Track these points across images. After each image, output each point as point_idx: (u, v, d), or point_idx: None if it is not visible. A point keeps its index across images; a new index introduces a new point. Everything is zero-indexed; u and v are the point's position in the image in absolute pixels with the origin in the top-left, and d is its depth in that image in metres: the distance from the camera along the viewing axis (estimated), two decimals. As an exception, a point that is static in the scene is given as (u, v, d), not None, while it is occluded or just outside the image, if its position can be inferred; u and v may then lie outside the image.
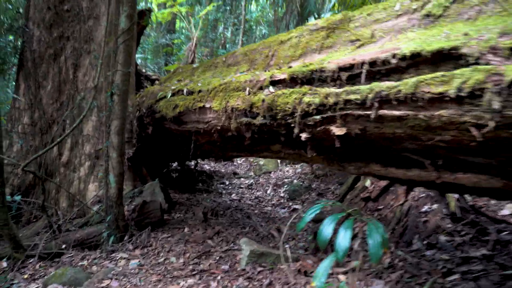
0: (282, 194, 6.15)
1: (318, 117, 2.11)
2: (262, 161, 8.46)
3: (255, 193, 6.40)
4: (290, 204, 5.62)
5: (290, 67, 2.59)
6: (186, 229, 4.61)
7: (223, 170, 8.62)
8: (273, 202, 5.92)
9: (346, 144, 2.11)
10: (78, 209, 5.45)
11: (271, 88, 2.53)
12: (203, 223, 4.80)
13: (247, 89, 2.75)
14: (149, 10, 6.51)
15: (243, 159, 9.62)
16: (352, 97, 1.87)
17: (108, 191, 4.32)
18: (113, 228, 4.33)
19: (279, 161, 8.61)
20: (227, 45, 15.42)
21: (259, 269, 3.30)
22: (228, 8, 14.64)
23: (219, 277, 3.46)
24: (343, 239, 1.98)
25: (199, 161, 8.63)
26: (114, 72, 4.20)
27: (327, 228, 2.09)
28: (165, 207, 5.07)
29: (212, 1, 15.49)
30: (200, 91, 3.47)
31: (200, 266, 3.75)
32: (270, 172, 7.86)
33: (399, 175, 2.07)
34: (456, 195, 3.44)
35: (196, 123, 3.55)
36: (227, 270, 3.60)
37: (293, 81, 2.39)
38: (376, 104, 1.75)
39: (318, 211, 2.23)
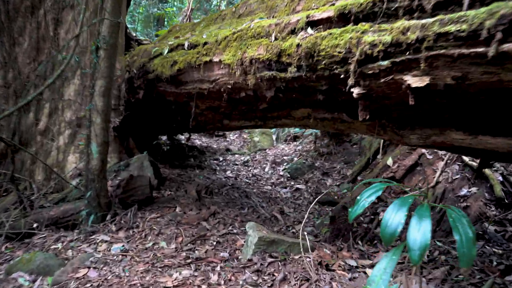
0: (281, 173, 5.53)
1: (385, 62, 1.46)
2: (256, 138, 7.81)
3: (252, 170, 5.76)
4: (292, 183, 5.01)
5: (333, 4, 1.90)
6: (178, 209, 3.94)
7: (215, 146, 7.92)
8: (272, 181, 5.30)
9: (419, 103, 1.47)
10: (55, 183, 4.70)
11: (309, 30, 1.85)
12: (197, 202, 4.14)
13: (273, 34, 2.06)
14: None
15: (236, 135, 8.94)
16: (451, 28, 1.23)
17: (90, 163, 3.60)
18: (93, 205, 3.63)
19: (274, 138, 7.97)
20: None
21: (269, 260, 2.68)
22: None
23: (218, 268, 2.83)
24: (420, 232, 1.36)
25: (190, 136, 7.92)
26: (100, 21, 3.41)
27: (395, 217, 1.46)
28: (154, 184, 4.38)
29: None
30: (206, 43, 2.75)
31: (195, 253, 3.11)
32: (265, 149, 7.22)
33: (499, 146, 1.45)
34: (500, 177, 2.87)
35: (199, 82, 2.84)
36: (227, 258, 2.97)
37: (343, 19, 1.71)
38: (498, 35, 1.11)
39: (378, 193, 1.60)
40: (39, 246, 3.34)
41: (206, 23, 3.56)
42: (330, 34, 1.68)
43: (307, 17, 1.92)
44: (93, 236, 3.50)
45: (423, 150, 3.43)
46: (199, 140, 8.28)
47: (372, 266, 2.61)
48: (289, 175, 5.24)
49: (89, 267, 2.88)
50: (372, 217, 2.93)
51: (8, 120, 4.98)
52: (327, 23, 1.82)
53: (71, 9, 5.03)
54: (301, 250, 2.45)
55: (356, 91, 1.61)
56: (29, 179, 4.84)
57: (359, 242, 2.77)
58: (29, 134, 5.07)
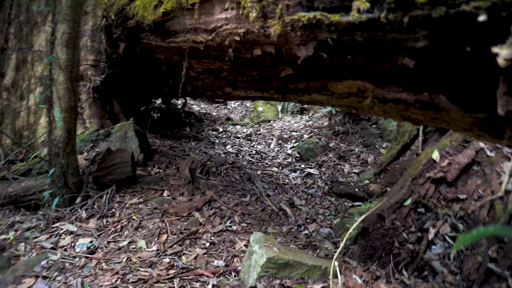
0: (289, 151, 4.69)
1: None
2: (260, 108, 6.91)
3: (255, 146, 4.92)
4: (302, 166, 4.18)
5: None
6: (166, 193, 3.14)
7: (214, 114, 7.03)
8: (279, 161, 4.47)
9: None
10: (23, 149, 3.88)
11: None
12: (190, 185, 3.34)
13: None
14: None
15: (238, 102, 8.02)
16: None
17: (52, 132, 2.74)
18: (59, 185, 2.82)
19: (279, 107, 7.06)
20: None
21: (280, 289, 1.91)
22: None
23: (210, 287, 2.07)
24: None
25: (188, 100, 7.01)
26: None
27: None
28: (140, 159, 3.55)
29: None
30: (203, -26, 1.80)
31: (181, 259, 2.33)
32: (269, 121, 6.35)
33: None
34: None
35: (193, 32, 1.93)
36: (222, 271, 2.21)
37: None
38: None
39: None
40: (-14, 235, 2.57)
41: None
42: None
43: None
44: (57, 224, 2.72)
45: (481, 144, 2.59)
46: (197, 106, 7.36)
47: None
48: (298, 156, 4.39)
49: (37, 276, 2.12)
50: (419, 234, 2.13)
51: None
52: None
53: None
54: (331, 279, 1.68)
55: (505, 52, 0.74)
56: (-6, 143, 4.02)
57: (403, 270, 1.99)
58: (-7, 90, 4.17)
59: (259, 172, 3.95)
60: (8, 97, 4.13)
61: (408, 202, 2.38)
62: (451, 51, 0.91)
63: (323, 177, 3.74)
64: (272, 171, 4.06)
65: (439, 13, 0.83)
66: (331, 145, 4.38)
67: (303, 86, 1.72)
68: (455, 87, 1.04)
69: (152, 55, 2.93)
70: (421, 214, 2.26)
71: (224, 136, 5.25)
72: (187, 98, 4.95)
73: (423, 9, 0.86)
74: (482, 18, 0.77)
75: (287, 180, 3.78)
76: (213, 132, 5.38)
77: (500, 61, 0.77)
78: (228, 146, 4.80)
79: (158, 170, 3.56)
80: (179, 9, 1.92)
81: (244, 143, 4.99)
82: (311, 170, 3.96)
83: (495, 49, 0.78)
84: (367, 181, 3.50)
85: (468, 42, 0.86)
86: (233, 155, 4.49)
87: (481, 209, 2.28)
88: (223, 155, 4.45)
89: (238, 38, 1.55)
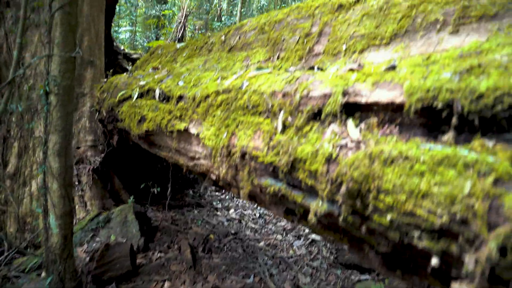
0: (294, 211, 4.60)
1: None
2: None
3: (258, 207, 4.85)
4: (306, 230, 4.09)
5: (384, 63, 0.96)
6: (166, 284, 3.07)
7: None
8: (282, 224, 4.38)
9: None
10: (30, 236, 3.90)
11: (350, 126, 0.92)
12: (191, 270, 3.26)
13: (279, 116, 1.12)
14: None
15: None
16: None
17: (48, 239, 2.73)
18: (58, 290, 2.78)
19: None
20: (223, 17, 13.40)
21: None
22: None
23: None
24: None
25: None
26: (47, 57, 2.50)
27: None
28: (140, 244, 3.50)
29: (207, -31, 13.40)
30: (181, 97, 1.82)
31: None
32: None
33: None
34: None
35: (176, 153, 1.92)
36: None
37: (430, 115, 0.78)
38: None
39: None
40: None
41: (190, 52, 2.61)
42: (408, 161, 0.75)
43: (345, 93, 0.97)
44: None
45: None
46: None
47: None
48: (303, 217, 4.31)
49: None
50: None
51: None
52: (389, 112, 0.88)
53: (36, 29, 4.13)
54: None
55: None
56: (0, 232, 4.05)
57: None
58: (-3, 179, 4.24)
59: (262, 244, 3.85)
60: (12, 184, 4.19)
61: None
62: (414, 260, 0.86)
63: (328, 244, 3.63)
64: (276, 239, 3.96)
65: (394, 235, 0.79)
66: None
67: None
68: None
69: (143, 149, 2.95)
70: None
71: (227, 198, 5.20)
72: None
73: (382, 227, 0.82)
74: (434, 261, 0.72)
75: (291, 251, 3.67)
76: (216, 194, 5.34)
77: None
78: (231, 211, 4.74)
79: (159, 254, 3.50)
80: (160, 131, 1.93)
81: (247, 205, 4.92)
82: (316, 236, 3.85)
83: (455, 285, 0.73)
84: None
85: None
86: (237, 221, 4.42)
87: None
88: (226, 223, 4.38)
89: (214, 177, 1.53)
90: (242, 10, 11.33)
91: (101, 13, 4.44)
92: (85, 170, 4.09)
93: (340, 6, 1.44)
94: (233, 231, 4.09)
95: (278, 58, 1.69)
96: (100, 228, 3.57)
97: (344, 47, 1.36)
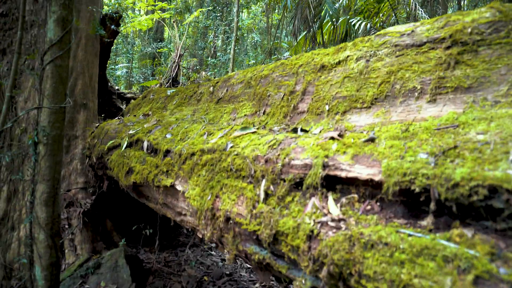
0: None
1: None
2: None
3: (254, 247, 4.75)
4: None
5: (361, 125, 0.96)
6: (157, 336, 2.93)
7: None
8: (278, 265, 4.26)
9: None
10: (17, 286, 3.75)
11: (331, 206, 0.90)
12: (184, 320, 3.13)
13: (262, 183, 1.11)
14: (117, 14, 4.79)
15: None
16: None
17: (33, 292, 2.63)
18: None
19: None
20: (218, 54, 13.73)
21: None
22: (218, 15, 12.97)
23: None
24: None
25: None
26: (37, 109, 2.51)
27: None
28: (131, 292, 3.38)
29: (202, 7, 13.84)
30: (168, 151, 1.82)
31: None
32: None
33: None
34: None
35: (164, 206, 1.89)
36: None
37: (403, 194, 0.77)
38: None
39: None
40: None
41: (179, 101, 2.64)
42: (388, 247, 0.73)
43: (325, 166, 0.97)
44: None
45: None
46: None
47: None
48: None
49: None
50: None
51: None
52: (369, 188, 0.88)
53: (31, 74, 4.18)
54: None
55: None
56: (-16, 280, 3.90)
57: None
58: (-16, 224, 4.14)
59: (257, 285, 3.74)
60: (0, 229, 4.09)
61: None
62: None
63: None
64: (272, 280, 3.85)
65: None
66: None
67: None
68: None
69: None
70: None
71: (221, 237, 5.09)
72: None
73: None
74: None
75: (287, 296, 3.55)
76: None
77: None
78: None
79: (150, 302, 3.37)
80: (147, 184, 1.91)
81: (242, 244, 4.81)
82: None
83: None
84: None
85: None
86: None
87: None
88: (220, 263, 4.26)
89: (201, 236, 1.50)
90: (236, 47, 11.65)
91: (95, 58, 4.53)
92: (76, 213, 4.01)
93: (323, 67, 1.47)
94: (228, 272, 3.97)
95: (264, 113, 1.71)
96: (89, 274, 3.45)
97: (327, 107, 1.38)
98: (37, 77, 2.49)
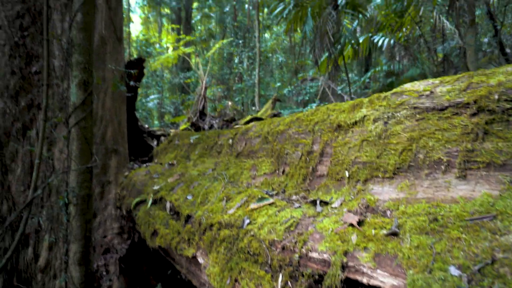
0: None
1: None
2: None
3: None
4: None
5: (382, 198, 0.86)
6: None
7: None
8: None
9: None
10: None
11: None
12: None
13: (279, 278, 1.04)
14: (141, 60, 4.98)
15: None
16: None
17: None
18: None
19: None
20: (244, 77, 13.91)
21: None
22: (241, 41, 13.20)
23: None
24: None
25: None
26: (66, 171, 2.60)
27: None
28: None
29: (225, 35, 14.19)
30: (189, 216, 1.78)
31: None
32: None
33: None
34: None
35: (189, 273, 1.85)
36: None
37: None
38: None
39: None
40: None
41: (201, 151, 2.63)
42: None
43: (344, 267, 0.87)
44: None
45: None
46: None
47: None
48: None
49: None
50: None
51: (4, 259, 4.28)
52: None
53: (64, 125, 4.39)
54: None
55: None
56: (32, 329, 4.03)
57: None
58: (28, 273, 4.31)
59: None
60: (43, 278, 4.24)
61: None
62: None
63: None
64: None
65: None
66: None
67: None
68: None
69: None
70: None
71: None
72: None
73: None
74: None
75: None
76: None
77: None
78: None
79: None
80: (171, 250, 1.88)
81: None
82: None
83: None
84: None
85: None
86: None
87: None
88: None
89: (224, 316, 1.43)
90: (261, 69, 11.72)
91: (122, 104, 4.69)
92: (112, 259, 4.08)
93: (339, 126, 1.39)
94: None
95: (283, 172, 1.64)
96: (127, 325, 3.46)
97: (347, 173, 1.28)
98: (64, 139, 2.58)
